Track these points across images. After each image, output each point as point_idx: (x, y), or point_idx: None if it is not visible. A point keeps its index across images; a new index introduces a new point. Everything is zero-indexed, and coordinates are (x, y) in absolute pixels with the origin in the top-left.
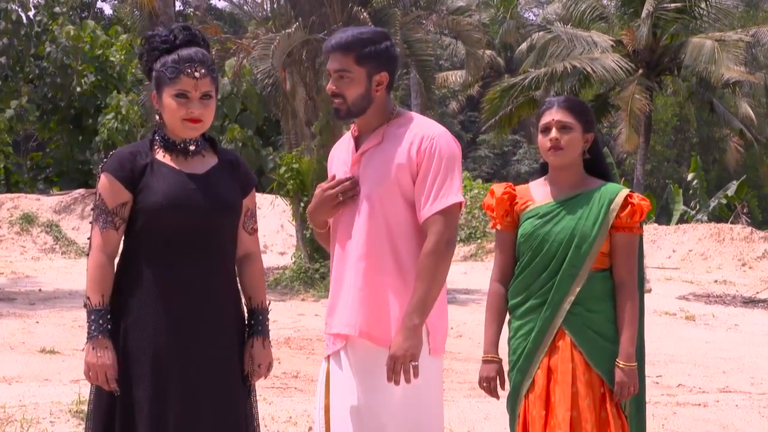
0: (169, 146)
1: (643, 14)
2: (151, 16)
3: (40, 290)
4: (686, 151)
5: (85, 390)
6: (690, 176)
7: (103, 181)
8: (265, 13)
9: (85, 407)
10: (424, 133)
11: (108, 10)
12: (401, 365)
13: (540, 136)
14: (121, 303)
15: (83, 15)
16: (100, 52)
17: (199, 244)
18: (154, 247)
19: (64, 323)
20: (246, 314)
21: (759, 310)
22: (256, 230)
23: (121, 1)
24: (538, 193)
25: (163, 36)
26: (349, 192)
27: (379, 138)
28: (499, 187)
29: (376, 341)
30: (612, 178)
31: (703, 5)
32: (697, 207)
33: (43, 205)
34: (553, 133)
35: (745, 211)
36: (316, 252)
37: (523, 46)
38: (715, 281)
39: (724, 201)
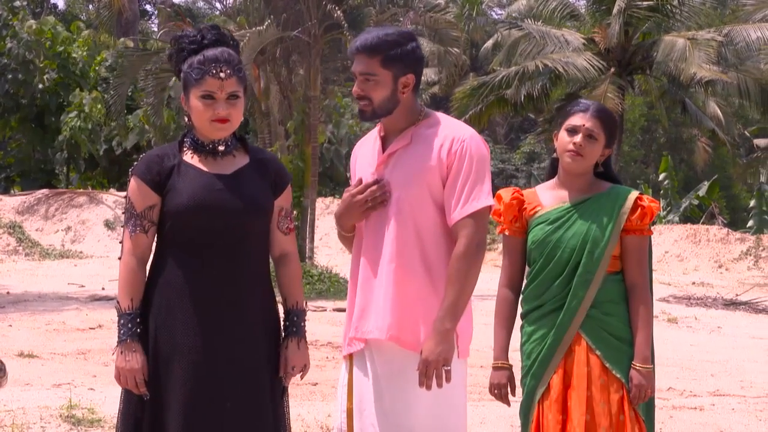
0: (198, 147)
1: (615, 11)
2: (118, 13)
3: (8, 293)
4: (654, 152)
5: (76, 394)
6: (661, 176)
7: (132, 184)
8: (226, 8)
9: (76, 411)
10: (454, 134)
11: (61, 5)
12: (434, 370)
13: (564, 134)
14: (151, 305)
15: (36, 11)
16: (61, 48)
17: (227, 246)
18: (181, 249)
19: (38, 326)
20: (282, 315)
21: (740, 313)
22: (292, 230)
23: None
24: (547, 198)
25: (191, 37)
26: (379, 197)
27: (407, 139)
28: (506, 193)
29: (406, 345)
30: (620, 182)
31: (675, 2)
32: (669, 208)
33: (5, 205)
34: (579, 138)
35: (717, 212)
36: None
37: (489, 43)
38: (693, 283)
39: (695, 202)
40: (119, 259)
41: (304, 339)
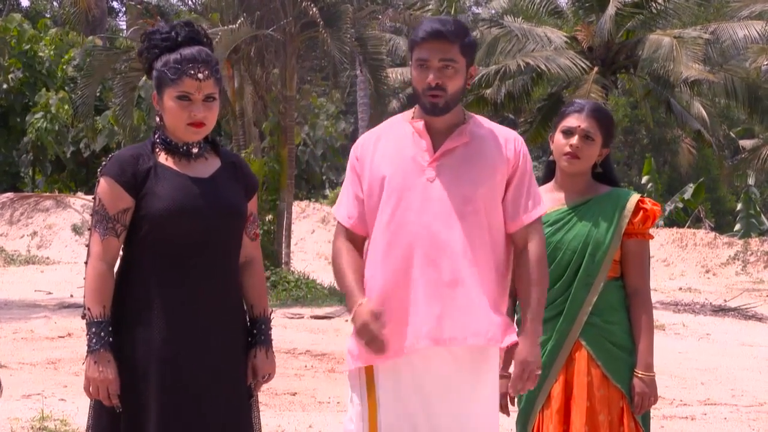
0: (171, 149)
1: (609, 9)
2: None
3: None
4: (636, 153)
5: (47, 405)
6: (644, 179)
7: (103, 185)
8: (195, 4)
9: (48, 423)
10: (508, 133)
11: (25, 1)
12: (529, 372)
13: (559, 136)
14: (123, 314)
15: None
16: (27, 46)
17: (206, 251)
18: (158, 254)
19: (4, 335)
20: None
21: (729, 319)
22: (258, 235)
23: None
24: (546, 200)
25: (164, 33)
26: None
27: (465, 137)
28: None
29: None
30: (620, 185)
31: (660, 0)
32: None
33: None
34: (575, 140)
35: (703, 215)
36: (266, 259)
37: None
38: (680, 288)
39: (680, 205)
40: (86, 263)
41: (271, 347)
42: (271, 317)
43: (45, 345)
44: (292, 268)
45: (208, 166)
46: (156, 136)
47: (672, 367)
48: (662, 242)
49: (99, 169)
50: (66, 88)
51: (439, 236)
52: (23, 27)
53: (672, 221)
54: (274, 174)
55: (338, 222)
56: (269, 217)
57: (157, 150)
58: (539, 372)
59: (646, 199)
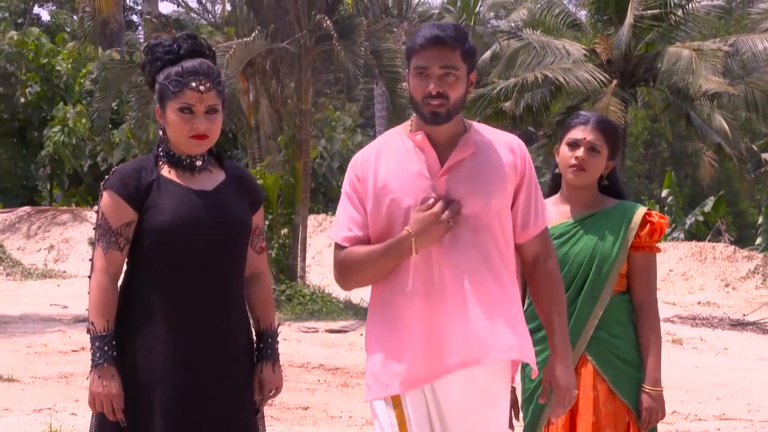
0: (175, 162)
1: (626, 21)
2: (103, 24)
3: None
4: (657, 167)
5: (57, 419)
6: (664, 193)
7: (106, 199)
8: (214, 18)
9: None
10: (511, 139)
11: (46, 16)
12: (570, 397)
13: (565, 149)
14: (127, 328)
15: (20, 21)
16: (45, 60)
17: (210, 265)
18: (162, 268)
19: (18, 349)
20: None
21: (748, 333)
22: (264, 249)
23: (59, 7)
24: (552, 213)
25: (166, 46)
26: (458, 216)
27: (471, 147)
28: None
29: (528, 360)
30: (627, 198)
31: (680, 12)
32: (673, 225)
33: None
34: (581, 152)
35: (724, 229)
36: (281, 273)
37: (487, 54)
38: (699, 302)
39: (701, 218)
40: (89, 277)
41: (278, 362)
42: (278, 331)
43: (58, 359)
44: (307, 282)
45: (212, 179)
46: (159, 149)
47: (688, 381)
48: (681, 256)
49: (102, 183)
50: (83, 101)
51: (459, 254)
52: (41, 41)
53: (692, 235)
54: (290, 187)
55: (336, 244)
56: (285, 230)
57: (161, 163)
58: (575, 393)
59: (653, 212)
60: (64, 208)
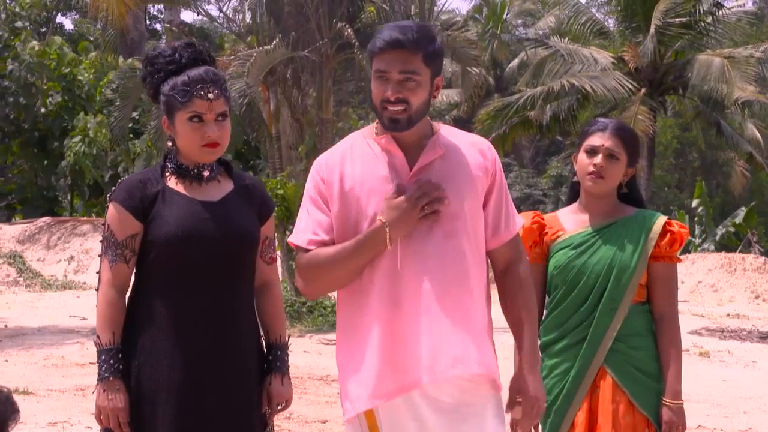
0: (182, 172)
1: (651, 30)
2: (122, 33)
3: (5, 326)
4: (688, 176)
5: None
6: (695, 203)
7: (112, 211)
8: (238, 27)
9: None
10: (481, 141)
11: (69, 25)
12: (538, 408)
13: (583, 156)
14: (133, 340)
15: (42, 30)
16: (67, 70)
17: (215, 276)
18: (167, 280)
19: (35, 362)
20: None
21: None
22: (275, 259)
23: (82, 16)
24: (569, 222)
25: (167, 56)
26: (437, 202)
27: (440, 149)
28: (526, 216)
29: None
30: (646, 207)
31: (709, 20)
32: (704, 236)
33: (5, 234)
34: (599, 159)
35: (755, 240)
36: None
37: (514, 63)
38: (728, 315)
39: (732, 229)
40: (96, 290)
41: (287, 374)
42: (289, 343)
43: (75, 371)
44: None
45: (219, 189)
46: (166, 160)
47: (715, 395)
48: (710, 267)
49: (108, 195)
50: (104, 111)
51: (429, 261)
52: (63, 50)
53: (723, 246)
54: None
55: (300, 248)
56: None
57: (167, 174)
58: (545, 405)
59: (674, 222)
60: (85, 218)
